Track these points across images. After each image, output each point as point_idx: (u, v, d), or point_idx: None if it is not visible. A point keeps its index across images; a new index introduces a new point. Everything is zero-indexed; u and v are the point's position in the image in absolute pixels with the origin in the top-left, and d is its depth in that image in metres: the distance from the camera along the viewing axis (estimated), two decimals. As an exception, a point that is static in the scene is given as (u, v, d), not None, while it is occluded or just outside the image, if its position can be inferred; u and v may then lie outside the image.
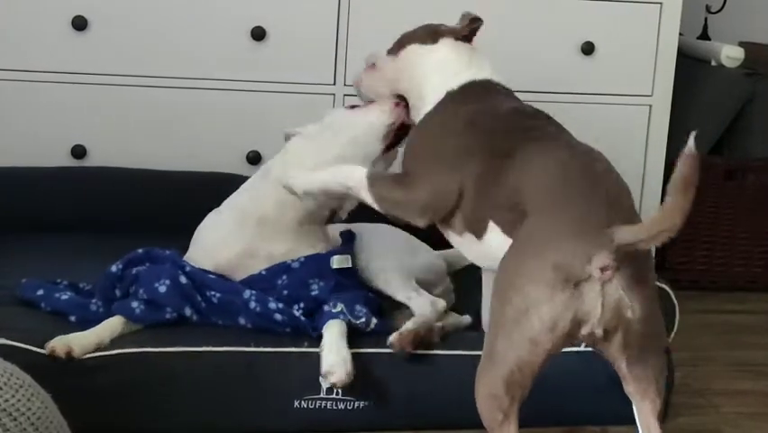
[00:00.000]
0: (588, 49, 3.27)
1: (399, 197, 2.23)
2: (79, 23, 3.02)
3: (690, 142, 1.80)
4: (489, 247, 2.12)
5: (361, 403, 2.31)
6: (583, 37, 3.27)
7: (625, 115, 3.34)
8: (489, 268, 2.21)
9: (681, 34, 3.56)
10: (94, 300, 2.39)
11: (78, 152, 3.08)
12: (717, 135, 3.58)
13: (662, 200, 3.40)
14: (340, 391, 2.29)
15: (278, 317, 2.32)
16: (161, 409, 2.26)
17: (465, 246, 2.21)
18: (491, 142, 2.15)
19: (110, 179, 3.01)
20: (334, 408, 2.30)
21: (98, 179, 3.00)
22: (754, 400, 2.74)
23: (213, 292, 2.35)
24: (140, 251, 2.43)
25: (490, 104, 2.25)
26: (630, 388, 1.99)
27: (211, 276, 2.39)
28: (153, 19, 3.06)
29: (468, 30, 2.39)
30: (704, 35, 3.86)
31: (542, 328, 1.88)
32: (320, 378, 2.24)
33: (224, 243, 2.44)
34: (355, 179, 2.27)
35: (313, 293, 2.39)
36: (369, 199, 2.25)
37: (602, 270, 1.85)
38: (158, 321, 2.32)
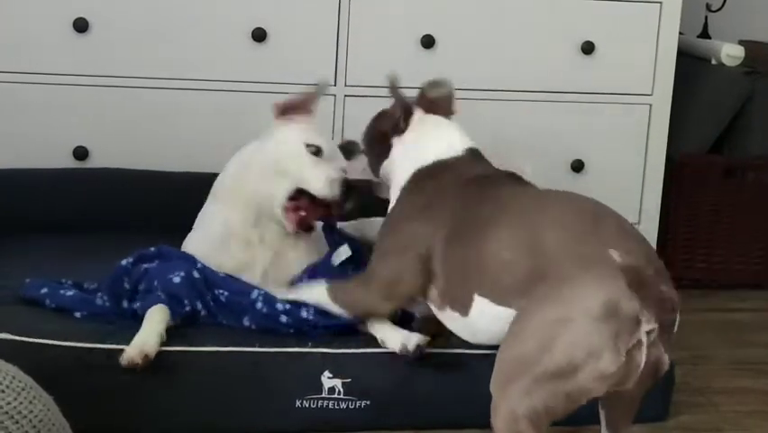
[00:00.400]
0: (588, 48, 3.28)
1: (360, 295, 2.29)
2: (81, 25, 3.03)
3: None
4: (475, 321, 2.14)
5: (363, 403, 2.33)
6: (583, 37, 3.28)
7: (625, 114, 3.35)
8: (473, 341, 2.24)
9: (681, 33, 3.56)
10: (99, 294, 2.40)
11: (80, 153, 3.10)
12: (717, 134, 3.57)
13: (662, 199, 3.44)
14: (342, 390, 2.31)
15: (283, 318, 2.34)
16: (163, 408, 2.28)
17: (451, 322, 2.22)
18: (456, 217, 2.18)
19: (112, 180, 3.03)
20: (336, 407, 2.32)
21: (100, 180, 3.02)
22: (754, 398, 2.73)
23: (221, 291, 2.37)
24: (152, 249, 2.44)
25: (450, 179, 2.28)
26: (616, 415, 2.05)
27: (221, 275, 2.41)
28: (154, 21, 3.08)
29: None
30: (704, 34, 3.86)
31: (581, 393, 1.88)
32: None
33: (213, 259, 2.46)
34: (318, 297, 2.32)
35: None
36: (337, 310, 2.31)
37: (648, 333, 1.86)
38: (180, 314, 2.33)
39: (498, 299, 2.06)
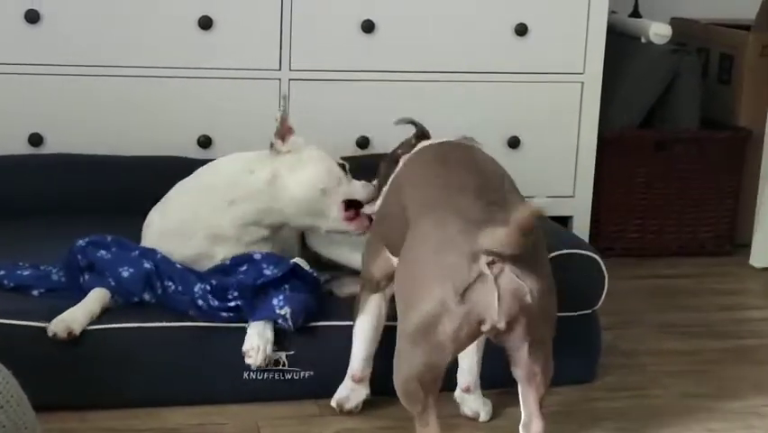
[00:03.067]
0: (521, 30, 3.39)
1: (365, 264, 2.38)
2: (32, 16, 3.11)
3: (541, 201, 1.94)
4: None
5: (307, 373, 2.45)
6: (517, 19, 3.39)
7: (558, 93, 3.46)
8: None
9: (613, 12, 3.70)
10: (55, 270, 2.50)
11: (35, 139, 3.17)
12: (647, 109, 3.71)
13: (594, 174, 3.58)
14: (286, 362, 2.43)
15: (224, 315, 2.41)
16: (116, 382, 2.39)
17: None
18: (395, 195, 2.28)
19: (67, 166, 3.09)
20: (281, 378, 2.44)
21: (55, 166, 3.09)
22: (679, 359, 2.86)
23: (170, 283, 2.43)
24: (108, 238, 2.51)
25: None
26: (521, 373, 2.04)
27: (177, 266, 2.46)
28: (104, 11, 3.15)
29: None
30: (635, 13, 3.99)
31: (445, 338, 1.94)
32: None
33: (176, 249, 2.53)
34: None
35: (265, 271, 2.47)
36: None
37: (490, 264, 1.90)
38: (127, 302, 2.44)
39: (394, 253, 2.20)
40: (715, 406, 2.59)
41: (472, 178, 2.11)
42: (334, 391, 2.45)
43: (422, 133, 2.46)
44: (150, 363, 2.41)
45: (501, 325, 1.93)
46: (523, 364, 2.03)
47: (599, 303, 2.67)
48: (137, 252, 2.49)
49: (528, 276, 1.93)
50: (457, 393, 2.45)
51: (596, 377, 2.69)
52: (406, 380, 2.02)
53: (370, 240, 2.39)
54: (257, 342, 2.38)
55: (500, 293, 1.91)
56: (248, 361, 2.38)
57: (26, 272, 2.51)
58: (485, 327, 1.94)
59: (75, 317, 2.35)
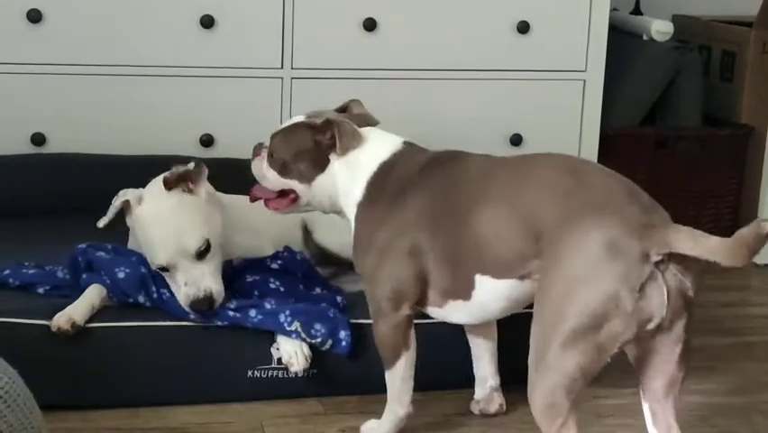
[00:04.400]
0: (523, 28, 3.39)
1: (381, 329, 2.25)
2: (34, 16, 3.11)
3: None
4: (480, 301, 2.16)
5: (311, 372, 2.44)
6: (519, 17, 3.39)
7: (560, 91, 3.47)
8: (480, 322, 2.30)
9: (615, 9, 3.70)
10: (61, 268, 2.51)
11: (38, 139, 3.18)
12: (648, 106, 3.72)
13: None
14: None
15: (218, 323, 2.41)
16: (121, 381, 2.40)
17: (454, 313, 2.22)
18: (430, 207, 2.16)
19: (69, 165, 3.10)
20: (285, 376, 2.44)
21: (58, 166, 3.10)
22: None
23: (164, 290, 2.42)
24: (108, 246, 2.52)
25: (404, 174, 2.23)
26: (660, 383, 1.99)
27: None
28: (106, 10, 3.15)
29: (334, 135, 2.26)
30: (637, 10, 4.00)
31: (610, 338, 1.89)
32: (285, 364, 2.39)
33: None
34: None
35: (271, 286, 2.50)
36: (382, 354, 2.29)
37: (657, 263, 1.89)
38: (122, 303, 2.44)
39: (500, 273, 2.10)
40: (718, 402, 2.60)
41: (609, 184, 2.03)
42: (338, 390, 2.46)
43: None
44: (153, 362, 2.42)
45: (666, 322, 1.92)
46: (667, 372, 1.99)
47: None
48: (134, 257, 2.49)
49: (687, 273, 1.93)
50: (483, 393, 2.47)
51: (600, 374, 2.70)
52: (553, 390, 1.92)
53: (387, 254, 2.21)
54: (291, 348, 2.38)
55: (669, 290, 1.90)
56: (293, 369, 2.37)
57: (31, 271, 2.52)
58: (651, 325, 1.91)
59: (76, 310, 2.36)
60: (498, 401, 2.46)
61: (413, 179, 2.22)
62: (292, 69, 3.29)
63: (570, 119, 3.50)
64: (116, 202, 2.45)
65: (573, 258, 1.93)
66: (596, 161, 3.53)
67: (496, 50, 3.41)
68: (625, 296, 1.88)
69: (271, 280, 2.51)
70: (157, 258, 2.38)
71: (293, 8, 3.26)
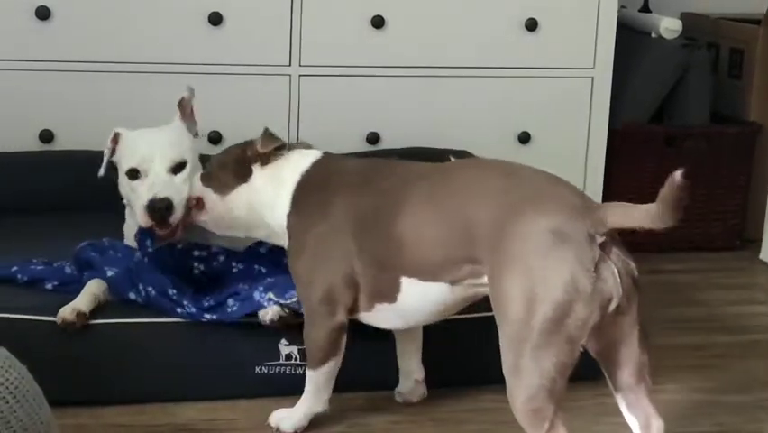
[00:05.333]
0: (531, 25, 3.40)
1: (313, 333, 2.27)
2: (43, 13, 3.13)
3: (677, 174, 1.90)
4: (407, 304, 2.18)
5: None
6: (527, 14, 3.40)
7: (568, 88, 3.47)
8: (408, 326, 2.32)
9: (623, 7, 3.70)
10: (68, 264, 2.52)
11: (46, 136, 3.19)
12: (657, 104, 3.71)
13: (604, 169, 3.57)
14: (298, 356, 2.44)
15: (207, 316, 2.40)
16: (129, 377, 2.41)
17: (382, 315, 2.24)
18: (357, 211, 2.20)
19: (77, 162, 3.07)
20: (293, 372, 2.45)
21: (66, 162, 3.11)
22: (687, 353, 2.87)
23: (150, 288, 2.42)
24: (106, 242, 2.54)
25: (328, 180, 2.28)
26: (628, 371, 2.01)
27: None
28: (114, 8, 3.17)
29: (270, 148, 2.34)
30: (645, 8, 3.99)
31: (578, 328, 1.89)
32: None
33: None
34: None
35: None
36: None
37: (602, 246, 1.91)
38: (119, 299, 2.45)
39: (427, 277, 2.13)
40: (723, 400, 2.60)
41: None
42: (346, 386, 2.45)
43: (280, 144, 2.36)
44: (161, 359, 2.43)
45: (624, 301, 1.93)
46: (632, 358, 2.00)
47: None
48: (121, 253, 2.49)
49: (629, 255, 1.97)
50: (408, 386, 2.48)
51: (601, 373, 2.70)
52: (534, 395, 1.91)
53: (320, 267, 2.24)
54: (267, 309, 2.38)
55: (618, 270, 1.93)
56: (267, 318, 2.36)
57: (40, 266, 2.53)
58: (611, 306, 1.92)
59: (79, 301, 2.37)
60: (420, 391, 2.49)
61: (338, 185, 2.26)
62: (300, 66, 3.30)
63: (578, 117, 3.50)
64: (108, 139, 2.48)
65: (523, 253, 1.93)
66: (604, 158, 3.55)
67: (504, 48, 3.41)
68: (582, 278, 1.89)
69: (256, 266, 2.51)
70: (133, 159, 2.40)
71: (301, 5, 3.27)
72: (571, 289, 1.89)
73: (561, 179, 2.08)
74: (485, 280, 2.05)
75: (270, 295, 2.39)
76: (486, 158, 2.20)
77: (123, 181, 2.46)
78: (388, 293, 2.19)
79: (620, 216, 1.94)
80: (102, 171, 2.48)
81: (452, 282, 2.12)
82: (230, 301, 2.42)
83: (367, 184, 2.24)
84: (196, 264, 2.51)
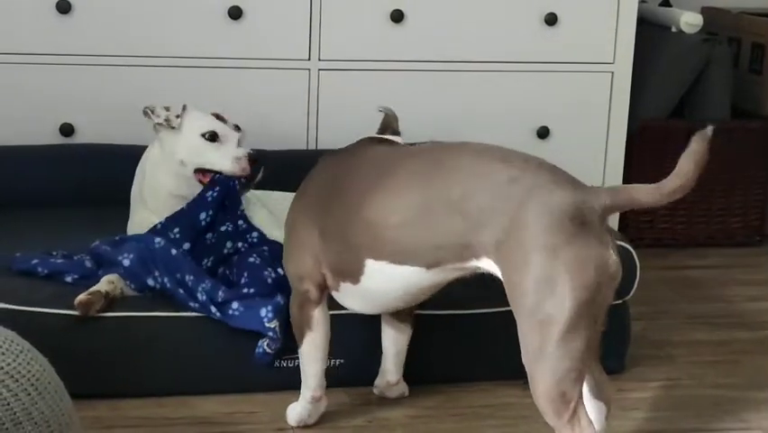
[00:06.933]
0: (551, 20, 3.38)
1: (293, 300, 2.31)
2: (64, 7, 3.13)
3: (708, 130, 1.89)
4: (371, 286, 2.14)
5: (337, 361, 2.46)
6: (546, 8, 3.38)
7: (588, 83, 3.45)
8: (376, 310, 2.30)
9: (644, 1, 3.69)
10: (88, 258, 2.53)
11: (66, 129, 3.20)
12: (677, 99, 3.70)
13: (624, 164, 3.55)
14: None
15: (213, 311, 2.41)
16: (148, 371, 2.42)
17: (347, 297, 2.23)
18: (323, 193, 2.21)
19: (98, 156, 3.11)
20: (312, 366, 2.46)
21: (86, 156, 3.11)
22: (708, 349, 2.87)
23: (166, 278, 2.43)
24: (116, 238, 2.56)
25: (320, 161, 2.33)
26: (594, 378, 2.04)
27: (173, 252, 2.45)
28: (134, 2, 3.16)
29: None
30: (666, 2, 3.97)
31: (604, 306, 1.90)
32: None
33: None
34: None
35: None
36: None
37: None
38: (139, 288, 2.46)
39: (400, 260, 2.06)
40: (745, 396, 2.59)
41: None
42: (365, 379, 2.47)
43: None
44: (181, 352, 2.44)
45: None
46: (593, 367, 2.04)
47: (631, 293, 2.68)
48: (134, 241, 2.51)
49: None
50: (381, 384, 2.48)
51: (626, 368, 2.70)
52: (561, 379, 1.88)
53: (293, 240, 2.28)
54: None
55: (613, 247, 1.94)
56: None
57: (59, 260, 2.54)
58: (615, 285, 1.93)
59: (95, 286, 2.39)
60: (399, 390, 2.49)
61: (323, 161, 2.31)
62: (319, 60, 3.29)
63: (598, 111, 3.49)
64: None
65: (544, 240, 1.87)
66: (624, 153, 3.53)
67: (523, 43, 3.40)
68: (609, 258, 1.89)
69: (253, 255, 2.51)
70: (210, 125, 2.65)
71: (320, 0, 3.26)
72: (601, 270, 1.87)
73: (552, 163, 2.01)
74: (473, 263, 2.00)
75: (275, 325, 2.39)
76: (469, 142, 2.11)
77: (192, 144, 2.61)
78: (352, 274, 2.15)
79: (620, 194, 1.93)
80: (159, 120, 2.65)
81: (430, 266, 2.05)
82: (234, 304, 2.41)
83: (344, 161, 2.23)
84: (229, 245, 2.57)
